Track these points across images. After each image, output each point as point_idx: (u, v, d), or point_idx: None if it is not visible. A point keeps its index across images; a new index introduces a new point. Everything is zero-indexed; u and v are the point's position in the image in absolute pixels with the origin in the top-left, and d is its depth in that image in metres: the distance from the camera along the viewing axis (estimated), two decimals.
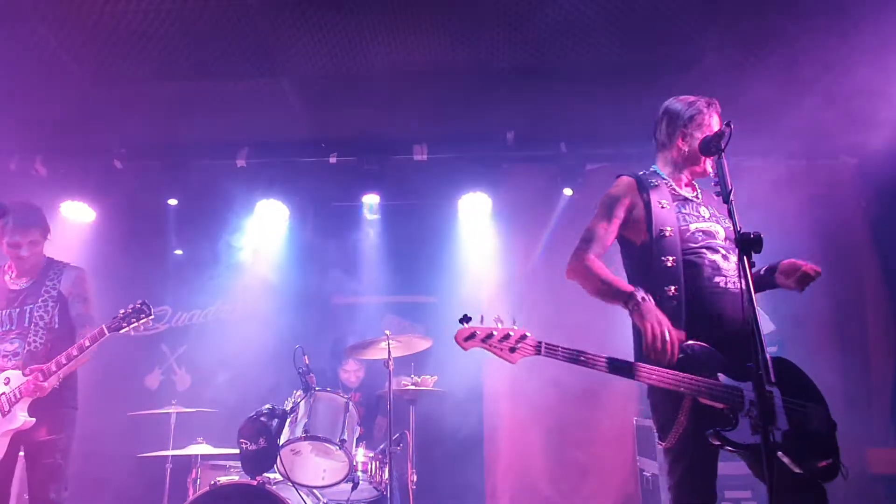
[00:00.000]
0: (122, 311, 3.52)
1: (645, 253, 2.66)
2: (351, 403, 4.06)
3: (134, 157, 5.67)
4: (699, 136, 2.71)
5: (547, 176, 5.76)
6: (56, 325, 3.61)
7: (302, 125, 5.38)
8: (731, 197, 2.28)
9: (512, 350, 2.35)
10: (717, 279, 2.56)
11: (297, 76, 4.69)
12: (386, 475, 4.07)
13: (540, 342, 2.39)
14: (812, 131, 5.24)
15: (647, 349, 2.37)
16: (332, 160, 5.65)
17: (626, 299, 2.49)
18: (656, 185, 2.76)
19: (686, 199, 2.75)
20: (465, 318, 2.33)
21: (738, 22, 4.10)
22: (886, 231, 5.50)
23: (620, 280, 2.63)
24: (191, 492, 4.23)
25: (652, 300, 2.45)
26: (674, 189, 2.78)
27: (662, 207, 2.67)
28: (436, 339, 4.54)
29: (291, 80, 4.74)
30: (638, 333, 2.56)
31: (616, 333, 5.54)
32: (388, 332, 4.16)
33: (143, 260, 6.12)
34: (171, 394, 5.46)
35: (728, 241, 2.66)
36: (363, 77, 4.71)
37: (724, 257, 2.61)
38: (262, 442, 3.84)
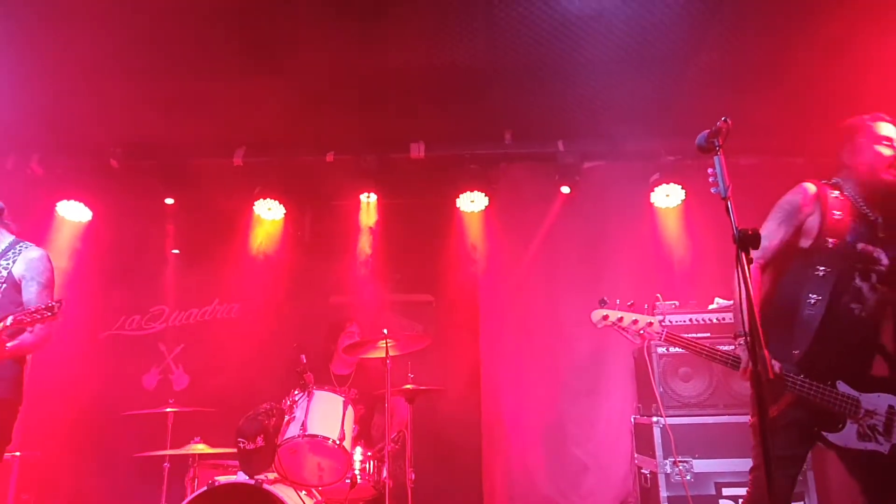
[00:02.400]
0: (30, 307, 3.10)
1: (802, 257, 2.74)
2: (349, 402, 4.05)
3: (130, 156, 5.66)
4: (869, 150, 2.81)
5: (544, 174, 5.76)
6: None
7: (299, 123, 5.37)
8: (729, 194, 2.28)
9: (637, 335, 2.72)
10: (853, 305, 2.65)
11: (295, 74, 4.68)
12: (384, 474, 4.07)
13: (664, 330, 2.71)
14: (810, 129, 5.24)
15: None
16: (329, 158, 5.65)
17: (736, 335, 2.69)
18: (836, 196, 2.80)
19: (864, 216, 2.77)
20: (602, 301, 2.74)
21: (736, 19, 4.10)
22: None
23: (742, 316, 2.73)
24: (188, 491, 4.22)
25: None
26: (854, 203, 2.80)
27: (836, 219, 2.72)
28: (434, 337, 4.54)
29: (289, 78, 4.73)
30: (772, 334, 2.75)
31: (611, 330, 5.58)
32: (385, 330, 4.15)
33: (140, 259, 6.12)
34: (169, 393, 5.45)
35: (886, 269, 2.71)
36: (360, 75, 4.70)
37: (873, 288, 2.66)
38: (259, 441, 3.84)
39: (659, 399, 4.51)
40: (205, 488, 3.74)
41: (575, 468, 5.45)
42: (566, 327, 5.61)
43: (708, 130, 2.56)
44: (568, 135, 5.55)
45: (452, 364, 5.50)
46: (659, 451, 4.43)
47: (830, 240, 2.69)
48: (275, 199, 5.82)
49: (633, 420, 5.07)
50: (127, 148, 5.64)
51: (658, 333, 2.68)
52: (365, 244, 6.01)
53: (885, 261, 2.69)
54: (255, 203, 5.83)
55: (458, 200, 5.77)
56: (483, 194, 5.70)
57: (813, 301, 2.64)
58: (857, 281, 2.66)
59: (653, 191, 5.58)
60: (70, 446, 5.50)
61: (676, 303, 4.87)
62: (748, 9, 4.02)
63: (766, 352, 1.99)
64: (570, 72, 4.62)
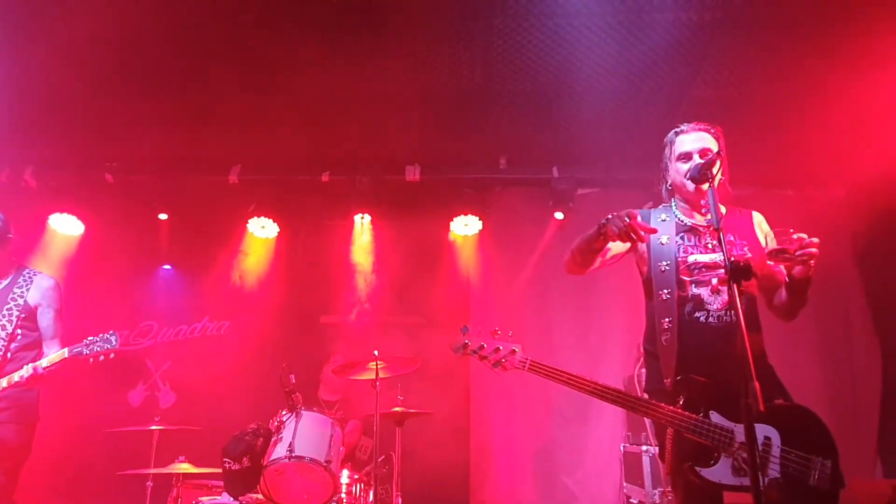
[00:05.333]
0: (89, 338, 3.41)
1: (649, 286, 2.75)
2: (336, 424, 4.02)
3: (125, 171, 5.66)
4: (673, 167, 2.82)
5: (538, 200, 5.80)
6: (19, 335, 3.54)
7: (295, 142, 5.39)
8: (721, 225, 2.30)
9: (497, 364, 2.47)
10: (697, 314, 2.60)
11: (292, 93, 4.71)
12: (371, 497, 4.02)
13: (527, 359, 2.48)
14: (800, 161, 5.31)
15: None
16: (325, 178, 5.67)
17: (597, 227, 2.54)
18: (662, 221, 2.81)
19: (693, 228, 2.76)
20: (464, 329, 2.49)
21: (730, 53, 4.17)
22: (873, 262, 5.55)
23: None
24: None
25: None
26: (680, 221, 2.80)
27: (662, 244, 2.73)
28: (424, 359, 4.52)
29: (286, 98, 4.76)
30: (649, 367, 2.66)
31: (603, 356, 5.59)
32: (376, 352, 4.13)
33: (131, 274, 6.08)
34: (155, 410, 5.38)
35: (724, 271, 2.62)
36: (358, 96, 4.74)
37: (715, 290, 2.61)
38: (245, 461, 3.79)
39: (649, 427, 4.49)
40: None
41: (564, 497, 5.40)
42: (558, 352, 5.60)
43: (701, 162, 2.61)
44: (562, 161, 5.60)
45: (442, 387, 5.47)
46: (648, 481, 4.40)
47: (663, 264, 2.69)
48: (269, 218, 5.83)
49: (622, 448, 5.05)
50: (122, 163, 5.64)
51: (522, 362, 2.46)
52: (357, 265, 6.01)
53: (720, 264, 2.59)
54: (249, 221, 5.84)
55: (451, 223, 5.79)
56: (477, 218, 5.73)
57: (666, 326, 2.60)
58: (694, 289, 2.62)
59: None
60: (51, 463, 5.40)
61: None
62: (739, 44, 4.09)
63: (756, 384, 1.96)
64: (566, 100, 4.67)
